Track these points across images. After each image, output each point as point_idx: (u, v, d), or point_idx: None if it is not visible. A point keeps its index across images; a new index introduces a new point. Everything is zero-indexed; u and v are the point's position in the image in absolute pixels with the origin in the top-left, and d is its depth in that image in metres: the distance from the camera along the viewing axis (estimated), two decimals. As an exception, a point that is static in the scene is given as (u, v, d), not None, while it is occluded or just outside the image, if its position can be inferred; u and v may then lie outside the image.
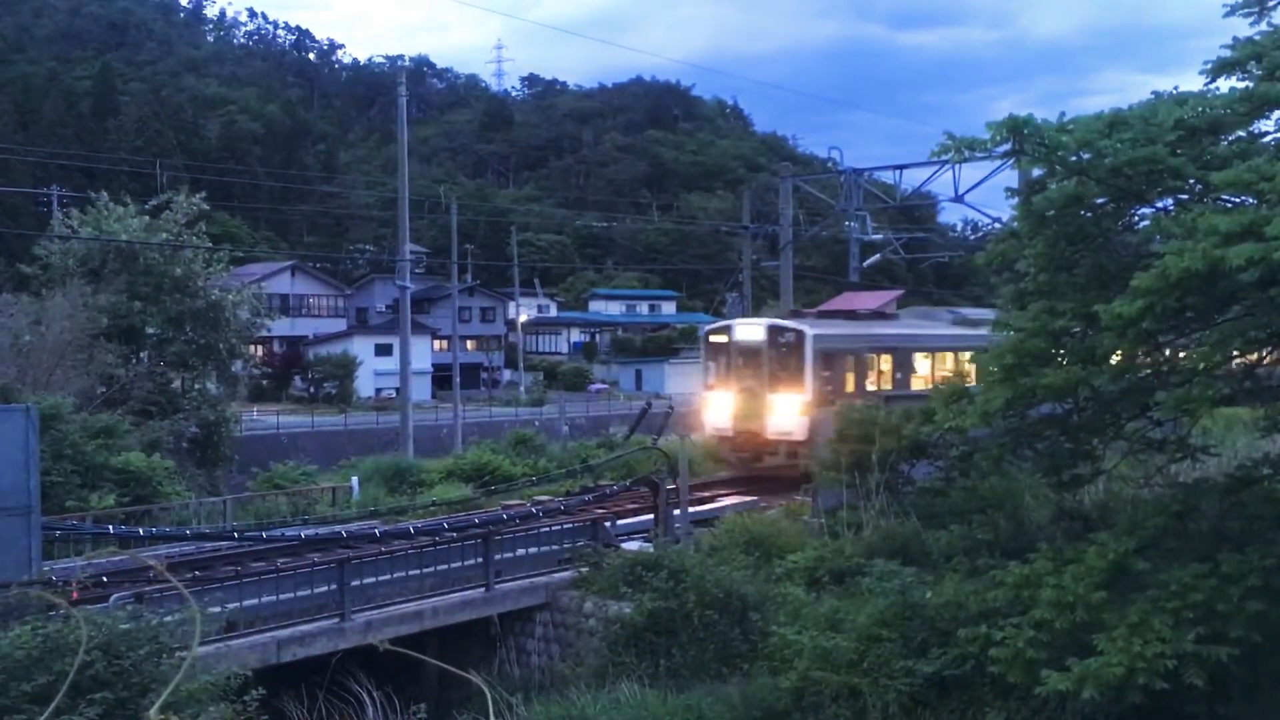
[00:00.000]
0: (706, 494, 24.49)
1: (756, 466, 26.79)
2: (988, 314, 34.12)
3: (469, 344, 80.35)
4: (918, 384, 29.50)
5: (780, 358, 26.89)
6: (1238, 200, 11.27)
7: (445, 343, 66.58)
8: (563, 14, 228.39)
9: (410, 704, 12.48)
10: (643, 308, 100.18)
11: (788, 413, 26.16)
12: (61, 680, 9.86)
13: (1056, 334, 12.35)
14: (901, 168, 39.13)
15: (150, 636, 11.13)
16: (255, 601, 15.29)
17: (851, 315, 33.04)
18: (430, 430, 46.51)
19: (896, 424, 18.90)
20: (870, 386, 27.98)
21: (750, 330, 27.90)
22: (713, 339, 28.69)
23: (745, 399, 26.91)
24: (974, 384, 29.17)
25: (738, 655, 15.19)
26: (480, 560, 17.72)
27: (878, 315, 34.22)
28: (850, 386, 27.36)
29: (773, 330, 27.33)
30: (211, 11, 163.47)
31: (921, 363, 30.34)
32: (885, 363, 28.86)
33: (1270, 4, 12.15)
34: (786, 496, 23.37)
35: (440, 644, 16.70)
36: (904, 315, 34.30)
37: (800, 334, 26.79)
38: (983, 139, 11.75)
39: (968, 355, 30.81)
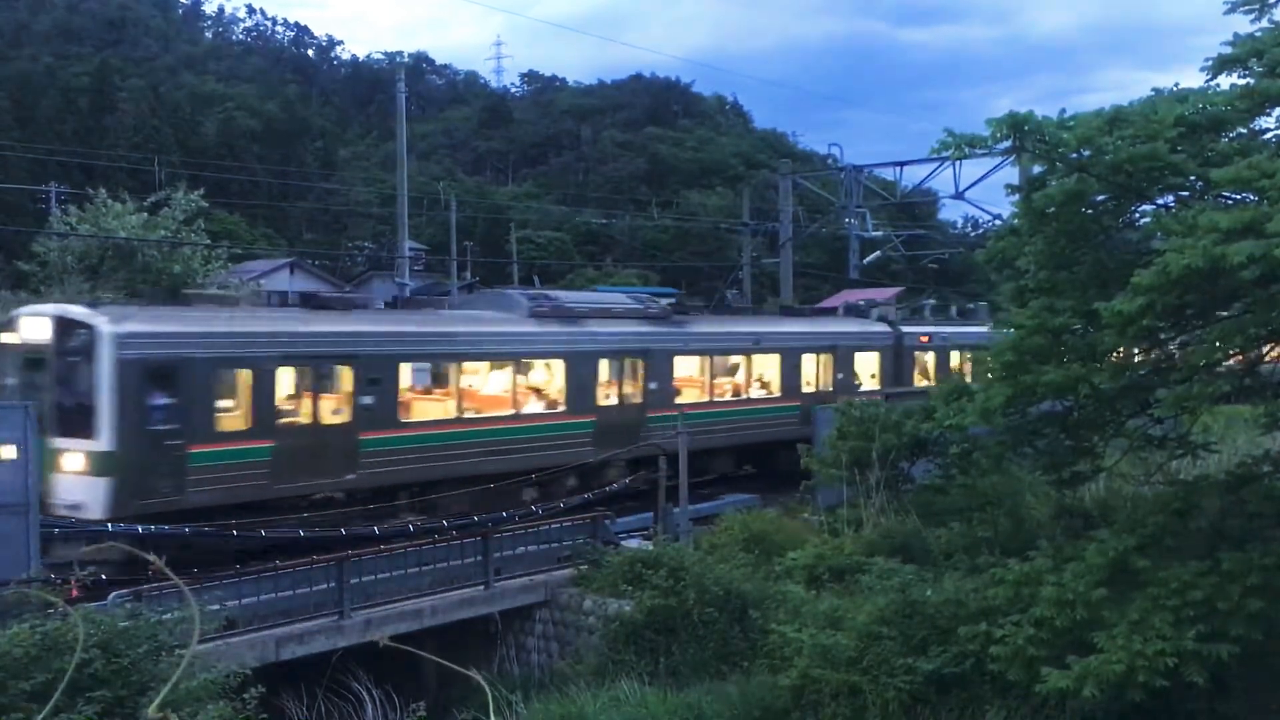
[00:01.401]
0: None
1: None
2: (614, 300, 25.69)
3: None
4: (431, 411, 20.20)
5: (69, 375, 16.38)
6: (1238, 197, 11.26)
7: (444, 340, 66.32)
8: (562, 11, 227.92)
9: (409, 702, 12.52)
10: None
11: (76, 473, 15.83)
12: (60, 678, 9.85)
13: (1057, 331, 12.34)
14: (902, 164, 39.32)
15: (149, 634, 11.14)
16: (254, 599, 15.30)
17: (311, 301, 21.37)
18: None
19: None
20: (299, 419, 18.05)
21: (36, 326, 16.77)
22: (2, 339, 17.19)
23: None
24: (534, 407, 20.33)
25: (737, 653, 15.20)
26: (479, 558, 17.72)
27: (403, 306, 25.19)
28: (240, 422, 17.31)
29: (61, 326, 16.48)
30: (210, 8, 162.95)
31: (421, 376, 20.74)
32: (342, 381, 18.67)
33: (1271, 1, 12.13)
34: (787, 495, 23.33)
35: (440, 642, 16.70)
36: (474, 301, 25.76)
37: (92, 334, 16.01)
38: (983, 136, 11.75)
39: (558, 365, 22.04)
